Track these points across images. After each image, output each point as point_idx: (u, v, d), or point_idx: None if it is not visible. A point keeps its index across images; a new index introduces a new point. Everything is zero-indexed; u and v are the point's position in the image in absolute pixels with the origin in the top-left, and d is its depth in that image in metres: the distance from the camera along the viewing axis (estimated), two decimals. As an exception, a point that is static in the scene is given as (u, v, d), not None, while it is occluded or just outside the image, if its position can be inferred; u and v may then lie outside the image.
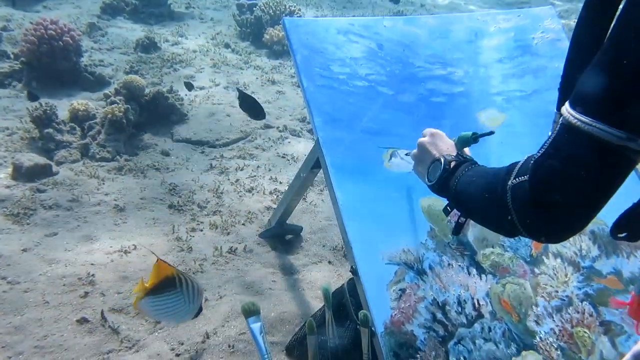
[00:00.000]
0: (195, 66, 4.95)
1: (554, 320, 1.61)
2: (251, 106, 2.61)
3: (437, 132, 1.32)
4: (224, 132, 3.84)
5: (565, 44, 2.12)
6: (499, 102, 2.03)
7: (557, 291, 1.66)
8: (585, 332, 1.58)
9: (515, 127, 1.97)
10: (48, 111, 3.39)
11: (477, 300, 1.66)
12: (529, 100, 2.04)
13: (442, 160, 1.18)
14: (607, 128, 0.69)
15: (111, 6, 5.96)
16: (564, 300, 1.65)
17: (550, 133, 1.02)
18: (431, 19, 2.19)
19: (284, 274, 2.47)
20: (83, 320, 2.06)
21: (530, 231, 0.84)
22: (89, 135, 3.47)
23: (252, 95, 2.65)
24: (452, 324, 1.61)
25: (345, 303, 1.92)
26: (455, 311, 1.64)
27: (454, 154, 1.22)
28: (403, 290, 1.66)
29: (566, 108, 0.76)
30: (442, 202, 1.35)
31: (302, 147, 3.73)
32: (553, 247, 1.75)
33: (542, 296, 1.66)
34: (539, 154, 0.79)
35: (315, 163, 2.04)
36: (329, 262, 2.59)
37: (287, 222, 2.70)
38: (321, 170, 1.93)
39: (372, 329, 1.58)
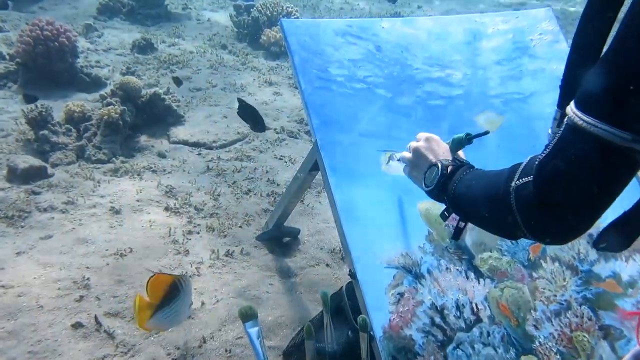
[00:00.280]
0: (192, 67, 4.94)
1: (552, 325, 1.60)
2: (251, 117, 2.57)
3: (431, 136, 1.30)
4: (221, 134, 3.82)
5: (563, 46, 2.13)
6: (497, 105, 2.02)
7: (555, 295, 1.66)
8: (584, 336, 1.57)
9: (513, 130, 1.96)
10: (43, 112, 3.36)
11: (476, 305, 1.65)
12: (527, 103, 2.04)
13: (439, 165, 1.16)
14: (612, 129, 0.69)
15: (108, 7, 5.93)
16: (563, 304, 1.64)
17: (550, 131, 1.01)
18: (429, 21, 2.18)
19: (281, 277, 2.46)
20: (78, 325, 2.04)
21: (535, 232, 0.83)
22: (84, 137, 3.44)
23: (252, 105, 2.60)
24: (450, 328, 1.60)
25: (344, 307, 1.91)
26: (454, 315, 1.63)
27: (450, 158, 1.21)
28: (401, 294, 1.65)
29: (571, 108, 0.75)
30: (440, 206, 1.34)
31: (299, 149, 3.71)
32: (551, 251, 1.74)
33: (541, 300, 1.65)
34: (543, 155, 0.79)
35: (313, 165, 2.03)
36: (327, 265, 2.57)
37: (284, 224, 2.68)
38: (319, 173, 1.91)
39: (371, 333, 1.57)
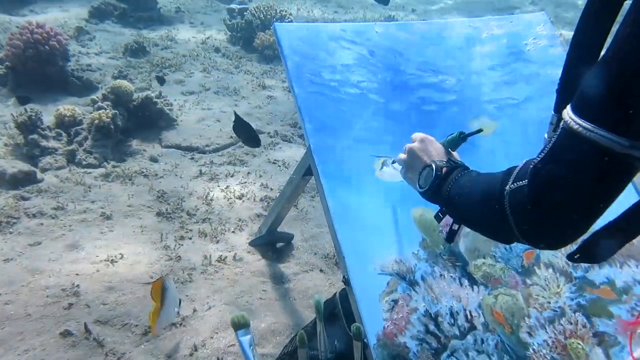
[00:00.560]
0: (185, 71, 4.91)
1: (547, 332, 1.59)
2: (246, 133, 2.52)
3: (426, 137, 1.29)
4: (214, 138, 3.79)
5: (558, 50, 2.13)
6: (491, 110, 2.02)
7: (549, 302, 1.65)
8: (578, 343, 1.56)
9: (507, 136, 1.96)
10: (33, 117, 3.32)
11: (470, 312, 1.63)
12: (521, 108, 2.04)
13: (434, 166, 1.15)
14: (609, 135, 0.67)
15: (99, 10, 5.90)
16: (557, 311, 1.63)
17: (546, 135, 1.00)
18: (423, 25, 2.17)
19: (274, 283, 2.43)
20: (66, 333, 2.00)
21: (528, 237, 0.82)
22: (75, 141, 3.40)
23: (248, 121, 2.57)
24: (444, 335, 1.59)
25: (337, 313, 1.89)
26: (448, 323, 1.61)
27: (445, 159, 1.20)
28: (395, 301, 1.63)
29: (568, 112, 0.74)
30: (434, 212, 1.33)
31: (293, 153, 3.69)
32: (544, 257, 1.73)
33: (535, 307, 1.64)
34: (538, 159, 0.78)
35: (306, 170, 2.01)
36: (321, 271, 2.55)
37: (278, 229, 2.66)
38: (312, 178, 1.90)
39: (365, 341, 1.55)
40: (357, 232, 1.70)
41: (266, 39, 5.56)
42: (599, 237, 0.83)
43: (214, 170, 3.37)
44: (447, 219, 1.27)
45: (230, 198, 3.07)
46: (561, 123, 0.75)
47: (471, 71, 2.08)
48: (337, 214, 1.72)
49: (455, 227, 1.27)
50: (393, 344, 1.56)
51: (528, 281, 1.70)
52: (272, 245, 2.68)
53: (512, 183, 0.82)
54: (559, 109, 0.93)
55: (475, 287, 1.68)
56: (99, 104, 3.63)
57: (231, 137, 3.84)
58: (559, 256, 1.72)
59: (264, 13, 5.97)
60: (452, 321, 1.62)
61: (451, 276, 1.70)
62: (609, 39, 0.74)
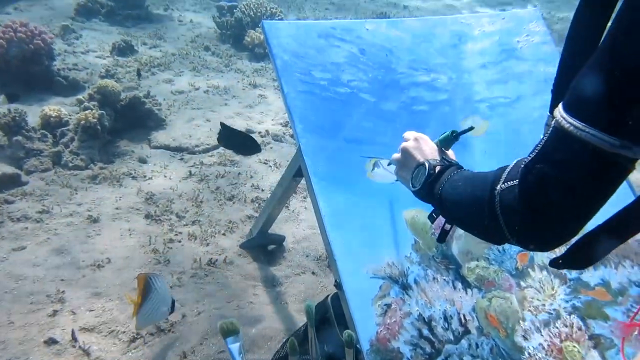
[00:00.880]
0: (174, 70, 4.83)
1: (542, 335, 1.57)
2: (241, 142, 2.22)
3: (420, 136, 1.28)
4: (204, 138, 3.73)
5: (551, 47, 2.10)
6: (483, 110, 1.99)
7: (544, 305, 1.62)
8: (574, 346, 1.54)
9: (499, 135, 1.93)
10: (17, 117, 3.24)
11: (464, 316, 1.60)
12: (513, 107, 2.01)
13: (427, 164, 1.14)
14: (600, 134, 0.66)
15: (86, 8, 5.79)
16: (552, 313, 1.61)
17: (542, 137, 0.98)
18: (414, 22, 2.14)
19: (265, 287, 2.39)
20: (51, 341, 1.94)
21: (518, 238, 0.81)
22: (61, 143, 3.33)
23: (237, 128, 2.24)
24: (438, 340, 1.56)
25: (329, 317, 1.86)
26: (442, 327, 1.58)
27: (439, 158, 1.19)
28: (388, 306, 1.60)
29: (559, 111, 0.72)
30: (426, 213, 1.31)
31: (284, 153, 3.65)
32: (539, 259, 1.71)
33: (529, 310, 1.61)
34: (529, 158, 0.76)
35: (297, 171, 1.97)
36: (313, 273, 2.51)
37: (269, 231, 2.62)
38: (303, 179, 1.86)
39: (358, 346, 1.52)
40: (349, 234, 1.66)
41: (256, 37, 5.49)
42: (584, 243, 0.81)
43: (204, 171, 3.32)
44: (440, 220, 1.25)
45: (220, 199, 3.02)
46: (552, 122, 0.73)
47: (463, 69, 2.05)
48: (328, 216, 1.68)
49: (448, 227, 1.26)
50: (386, 350, 1.53)
51: (522, 283, 1.67)
52: (263, 247, 2.63)
53: (503, 183, 0.81)
54: (553, 109, 0.90)
55: (468, 290, 1.65)
56: (85, 104, 3.55)
57: (221, 137, 3.78)
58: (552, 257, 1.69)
59: (254, 10, 5.90)
60: (446, 325, 1.59)
61: (444, 279, 1.67)
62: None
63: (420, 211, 1.72)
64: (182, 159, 3.49)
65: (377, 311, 1.58)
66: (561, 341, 1.56)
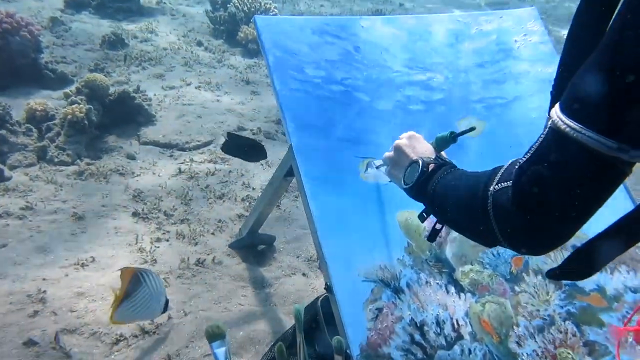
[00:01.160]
0: (165, 64, 4.75)
1: (536, 341, 1.53)
2: (248, 149, 2.06)
3: (414, 135, 1.27)
4: (194, 134, 3.66)
5: (548, 48, 2.07)
6: (479, 110, 1.95)
7: (538, 310, 1.59)
8: (568, 353, 1.51)
9: (495, 136, 1.89)
10: (1, 111, 3.15)
11: (457, 321, 1.56)
12: (510, 108, 1.97)
13: (420, 162, 1.11)
14: (597, 137, 0.64)
15: (76, 0, 5.66)
16: (546, 319, 1.57)
17: (538, 137, 0.95)
18: (411, 19, 2.09)
19: (255, 288, 2.34)
20: (30, 343, 1.88)
21: (510, 241, 0.79)
22: (47, 137, 3.24)
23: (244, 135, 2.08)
24: (430, 346, 1.52)
25: (319, 320, 1.82)
26: (434, 332, 1.54)
27: (433, 157, 1.16)
28: (380, 310, 1.56)
29: (556, 111, 0.70)
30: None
31: (276, 151, 3.58)
32: (533, 263, 1.67)
33: (523, 315, 1.58)
34: (524, 159, 0.74)
35: (288, 171, 1.92)
36: (303, 274, 2.47)
37: (259, 231, 2.56)
38: (295, 179, 1.81)
39: (348, 351, 1.48)
40: (341, 236, 1.62)
41: (250, 33, 5.42)
42: (583, 253, 0.79)
43: (194, 169, 3.25)
44: (432, 220, 1.22)
45: (210, 198, 2.96)
46: (549, 122, 0.71)
47: (459, 69, 2.01)
48: (320, 217, 1.63)
49: (439, 226, 1.23)
50: (377, 355, 1.48)
51: (517, 288, 1.63)
52: (253, 247, 2.58)
53: (497, 184, 0.79)
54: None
55: (462, 294, 1.62)
56: (72, 98, 3.47)
57: (212, 134, 3.72)
58: (548, 262, 1.66)
59: (248, 5, 5.82)
60: (439, 330, 1.55)
61: (437, 283, 1.63)
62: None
63: (413, 213, 1.67)
64: (171, 156, 3.42)
65: (368, 315, 1.54)
66: (555, 348, 1.53)
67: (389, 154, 1.31)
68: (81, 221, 2.64)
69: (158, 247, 2.51)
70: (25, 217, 2.61)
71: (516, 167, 0.75)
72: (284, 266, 2.51)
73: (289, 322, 2.11)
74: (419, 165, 1.10)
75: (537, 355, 1.51)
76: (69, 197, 2.81)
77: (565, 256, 0.82)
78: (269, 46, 1.88)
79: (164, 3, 6.43)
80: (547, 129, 0.71)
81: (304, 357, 1.58)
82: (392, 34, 2.02)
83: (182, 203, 2.88)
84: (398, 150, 1.25)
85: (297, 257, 2.58)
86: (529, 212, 0.73)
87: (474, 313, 1.58)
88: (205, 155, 3.46)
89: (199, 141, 3.61)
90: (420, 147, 1.22)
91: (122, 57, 4.66)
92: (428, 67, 1.98)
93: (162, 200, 2.87)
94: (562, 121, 0.68)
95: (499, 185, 0.78)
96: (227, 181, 3.16)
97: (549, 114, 0.90)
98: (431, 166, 1.09)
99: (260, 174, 3.28)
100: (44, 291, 2.12)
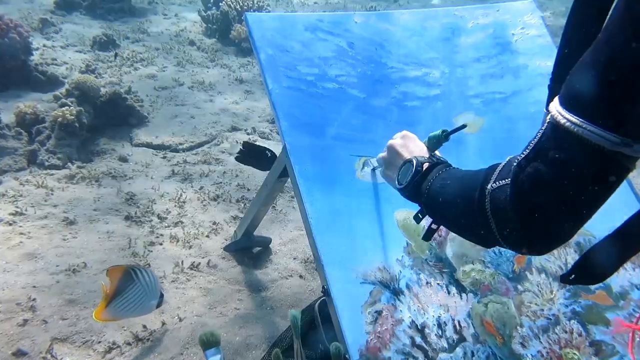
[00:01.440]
0: (157, 65, 4.68)
1: (540, 342, 1.49)
2: (261, 157, 2.10)
3: (408, 134, 1.24)
4: (187, 136, 3.61)
5: (546, 41, 2.02)
6: (477, 105, 1.90)
7: (542, 309, 1.55)
8: (574, 353, 1.47)
9: (494, 132, 1.85)
10: (-11, 115, 3.08)
11: (458, 322, 1.52)
12: (509, 103, 1.93)
13: (414, 161, 1.08)
14: (599, 131, 0.61)
15: (66, 1, 5.59)
16: (551, 319, 1.53)
17: (537, 133, 0.91)
18: (405, 15, 2.04)
19: (250, 292, 2.29)
20: (19, 354, 1.82)
21: (509, 241, 0.75)
22: (37, 141, 3.18)
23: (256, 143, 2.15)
24: (432, 348, 1.47)
25: (316, 323, 1.77)
26: (436, 334, 1.50)
27: (427, 156, 1.13)
28: (379, 313, 1.51)
29: (555, 106, 0.66)
30: (419, 215, 1.23)
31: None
32: (537, 261, 1.63)
33: (527, 315, 1.54)
34: (522, 156, 0.71)
35: (282, 171, 1.87)
36: (300, 277, 2.42)
37: (254, 233, 2.51)
38: (289, 179, 1.76)
39: (347, 356, 1.43)
40: (337, 237, 1.57)
41: (243, 31, 5.35)
42: (597, 253, 0.75)
43: (188, 170, 3.20)
44: (429, 220, 1.18)
45: (204, 200, 2.90)
46: (547, 117, 0.68)
47: (456, 63, 1.96)
48: (315, 218, 1.58)
49: (435, 225, 1.19)
50: (377, 359, 1.44)
51: (520, 287, 1.59)
52: (249, 250, 2.53)
53: (494, 182, 0.75)
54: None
55: (463, 294, 1.57)
56: (62, 100, 3.40)
57: (206, 134, 3.66)
58: (551, 260, 1.62)
59: (241, 4, 5.75)
60: (440, 333, 1.51)
61: (438, 284, 1.58)
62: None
63: (412, 212, 1.63)
64: (164, 157, 3.36)
65: (367, 319, 1.50)
66: (561, 348, 1.48)
67: (383, 154, 1.28)
68: (72, 226, 2.58)
69: (151, 251, 2.46)
70: (15, 222, 2.55)
71: (514, 164, 0.72)
72: (280, 268, 2.46)
73: (286, 325, 2.06)
74: (413, 165, 1.08)
75: (542, 356, 1.47)
76: (60, 202, 2.75)
77: (569, 253, 0.78)
78: (261, 44, 1.82)
79: (156, 3, 6.37)
80: (546, 124, 0.68)
81: (301, 363, 1.53)
82: (387, 30, 1.97)
83: (175, 205, 2.82)
84: (391, 150, 1.23)
85: (294, 258, 2.54)
86: (528, 210, 0.70)
87: (476, 314, 1.54)
88: (199, 156, 3.40)
89: (192, 142, 3.55)
90: (414, 147, 1.19)
91: (112, 58, 4.59)
92: (424, 62, 1.93)
93: (155, 203, 2.82)
94: (562, 116, 0.65)
95: (497, 183, 0.75)
96: (221, 182, 3.11)
97: (547, 109, 0.86)
98: (425, 165, 1.06)
99: (255, 175, 3.22)
100: (34, 299, 2.06)
